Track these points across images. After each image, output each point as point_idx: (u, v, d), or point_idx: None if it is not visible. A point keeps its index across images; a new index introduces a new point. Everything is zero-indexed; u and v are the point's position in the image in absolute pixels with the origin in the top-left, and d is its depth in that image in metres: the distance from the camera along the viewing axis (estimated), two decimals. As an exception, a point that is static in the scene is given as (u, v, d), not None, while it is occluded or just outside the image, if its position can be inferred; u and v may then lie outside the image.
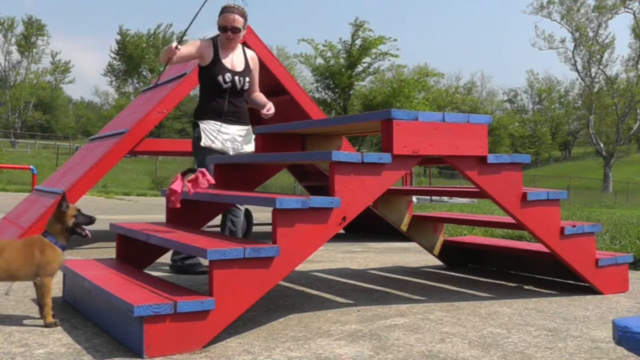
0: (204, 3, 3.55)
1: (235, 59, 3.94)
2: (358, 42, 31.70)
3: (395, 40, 31.68)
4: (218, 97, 3.87)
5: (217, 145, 3.82)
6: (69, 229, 2.55)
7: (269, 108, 3.89)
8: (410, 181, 10.25)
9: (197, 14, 3.62)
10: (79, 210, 2.58)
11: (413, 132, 2.73)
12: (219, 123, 3.85)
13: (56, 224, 2.54)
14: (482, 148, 2.93)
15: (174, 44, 3.73)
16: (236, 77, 3.89)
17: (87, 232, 2.59)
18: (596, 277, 3.29)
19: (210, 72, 3.86)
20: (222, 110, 3.85)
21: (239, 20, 3.86)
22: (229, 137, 3.86)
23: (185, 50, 3.77)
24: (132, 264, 3.00)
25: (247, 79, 3.95)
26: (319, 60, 32.22)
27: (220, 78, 3.84)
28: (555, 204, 3.17)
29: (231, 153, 3.83)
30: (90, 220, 2.60)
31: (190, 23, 3.76)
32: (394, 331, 2.49)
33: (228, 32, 3.85)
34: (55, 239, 2.52)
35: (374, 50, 31.54)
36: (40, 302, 2.49)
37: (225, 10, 3.88)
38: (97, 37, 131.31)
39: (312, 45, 31.73)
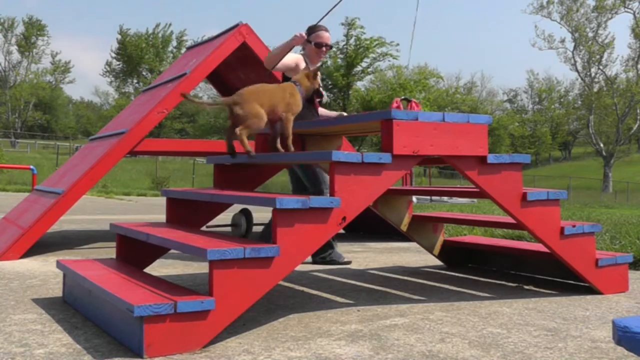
0: (339, 2, 4.00)
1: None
2: (352, 41, 31.68)
3: (397, 44, 31.73)
4: (310, 105, 4.19)
5: None
6: (314, 90, 3.26)
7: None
8: (410, 181, 10.25)
9: (330, 10, 4.13)
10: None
11: (413, 132, 2.73)
12: None
13: (307, 82, 3.22)
14: (482, 148, 2.93)
15: (303, 32, 4.14)
16: (321, 90, 4.21)
17: (321, 98, 3.56)
18: (596, 277, 3.29)
19: None
20: (313, 118, 4.11)
21: (331, 39, 4.36)
22: None
23: (286, 59, 4.11)
24: (132, 264, 3.00)
25: (324, 92, 4.35)
26: None
27: None
28: (555, 204, 3.17)
29: None
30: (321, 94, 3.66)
31: (323, 17, 4.23)
32: (394, 331, 2.49)
33: (323, 48, 4.29)
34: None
35: (372, 52, 31.54)
36: (284, 134, 3.07)
37: (321, 28, 4.32)
38: (98, 37, 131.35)
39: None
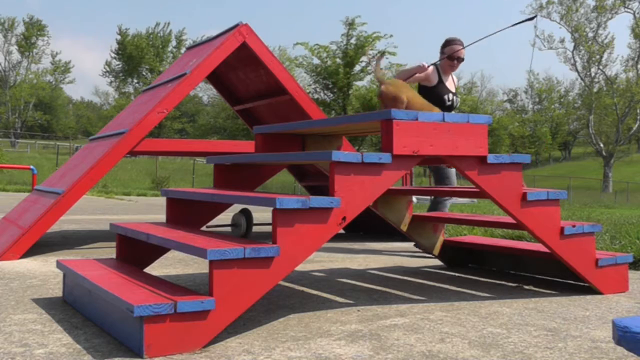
0: (530, 19, 4.21)
1: (451, 82, 4.84)
2: (353, 40, 31.58)
3: (391, 36, 31.70)
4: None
5: None
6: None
7: None
8: (410, 181, 10.25)
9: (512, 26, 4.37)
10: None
11: (413, 132, 2.73)
12: None
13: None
14: (482, 148, 2.93)
15: (426, 63, 4.59)
16: (454, 97, 4.80)
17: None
18: (596, 277, 3.29)
19: (436, 91, 4.70)
20: None
21: (464, 52, 4.76)
22: None
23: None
24: (132, 264, 3.00)
25: (458, 98, 4.86)
26: (316, 61, 32.15)
27: (445, 97, 4.70)
28: (555, 204, 3.17)
29: None
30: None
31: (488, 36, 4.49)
32: (394, 331, 2.49)
33: (454, 61, 4.73)
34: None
35: (370, 48, 31.45)
36: None
37: (454, 42, 4.74)
38: (99, 37, 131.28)
39: (307, 48, 31.64)
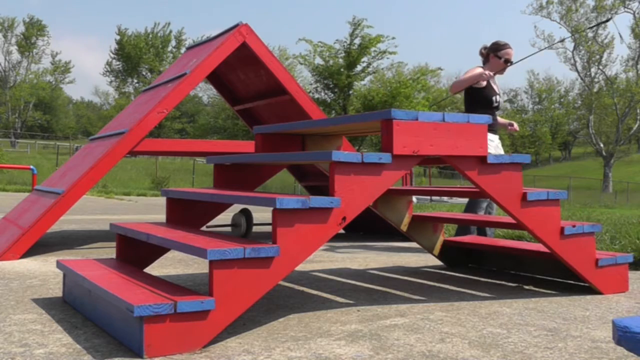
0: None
1: (496, 83, 5.05)
2: (357, 41, 31.51)
3: (393, 38, 31.59)
4: (489, 113, 4.77)
5: (491, 151, 4.61)
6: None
7: (514, 125, 5.19)
8: (410, 181, 10.26)
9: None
10: None
11: (413, 132, 2.73)
12: (489, 134, 4.68)
13: None
14: (482, 148, 2.93)
15: (485, 70, 4.76)
16: (500, 98, 5.02)
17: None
18: (596, 277, 3.29)
19: (486, 93, 4.87)
20: (492, 124, 4.48)
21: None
22: (494, 145, 4.85)
23: (468, 73, 4.85)
24: (132, 264, 3.00)
25: (501, 99, 5.06)
26: (318, 60, 32.07)
27: (493, 98, 4.89)
28: (555, 204, 3.17)
29: None
30: None
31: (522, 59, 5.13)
32: (394, 331, 2.49)
33: (508, 64, 4.95)
34: None
35: (372, 49, 31.40)
36: None
37: (508, 46, 4.93)
38: (100, 37, 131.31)
39: (310, 45, 31.57)
